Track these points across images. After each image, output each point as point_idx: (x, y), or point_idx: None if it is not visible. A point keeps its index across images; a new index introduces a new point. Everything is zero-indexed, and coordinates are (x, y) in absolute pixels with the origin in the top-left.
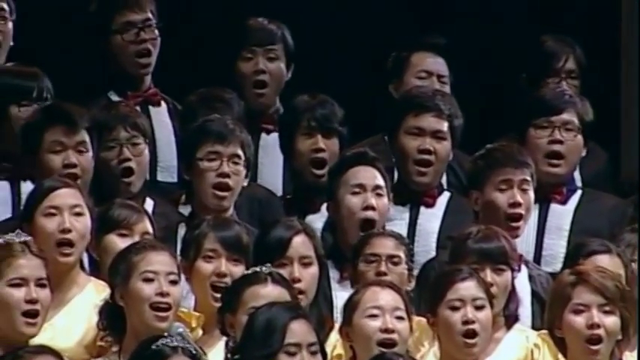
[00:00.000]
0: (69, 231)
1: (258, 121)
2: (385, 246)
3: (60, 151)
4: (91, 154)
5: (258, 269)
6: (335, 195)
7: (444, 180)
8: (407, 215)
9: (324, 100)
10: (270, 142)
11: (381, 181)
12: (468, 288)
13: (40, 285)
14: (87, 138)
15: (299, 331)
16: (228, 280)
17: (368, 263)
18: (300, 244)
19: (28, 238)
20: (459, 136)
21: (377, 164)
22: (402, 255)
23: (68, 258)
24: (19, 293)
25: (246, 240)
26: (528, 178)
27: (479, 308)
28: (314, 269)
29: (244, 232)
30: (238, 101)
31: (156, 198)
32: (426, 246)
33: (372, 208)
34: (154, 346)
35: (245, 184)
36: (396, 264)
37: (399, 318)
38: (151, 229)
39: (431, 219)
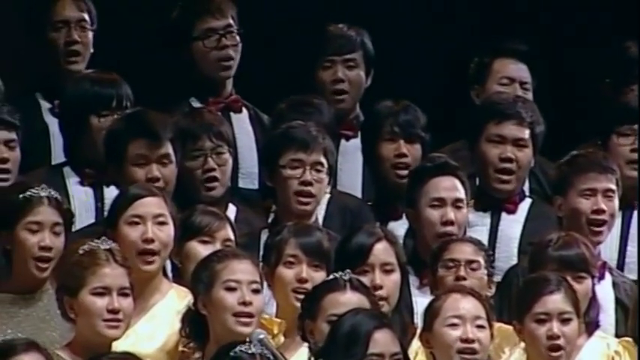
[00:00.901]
0: (152, 241)
1: (337, 128)
2: (464, 251)
3: (144, 164)
4: (174, 165)
5: (337, 275)
6: (415, 204)
7: (526, 187)
8: (488, 221)
9: (407, 106)
10: (350, 148)
11: (461, 193)
12: (555, 302)
13: (122, 294)
14: (170, 150)
15: (383, 341)
16: (309, 285)
17: (447, 269)
18: (381, 250)
19: (113, 246)
20: (541, 143)
21: (458, 174)
22: (481, 260)
23: (150, 266)
24: (101, 302)
25: (327, 246)
26: (613, 186)
27: (565, 321)
28: (396, 276)
29: (325, 238)
30: (328, 107)
31: (238, 204)
32: (508, 252)
33: (451, 223)
34: (231, 353)
35: (327, 190)
36: (474, 269)
37: (480, 327)
38: (232, 236)
39: (512, 225)
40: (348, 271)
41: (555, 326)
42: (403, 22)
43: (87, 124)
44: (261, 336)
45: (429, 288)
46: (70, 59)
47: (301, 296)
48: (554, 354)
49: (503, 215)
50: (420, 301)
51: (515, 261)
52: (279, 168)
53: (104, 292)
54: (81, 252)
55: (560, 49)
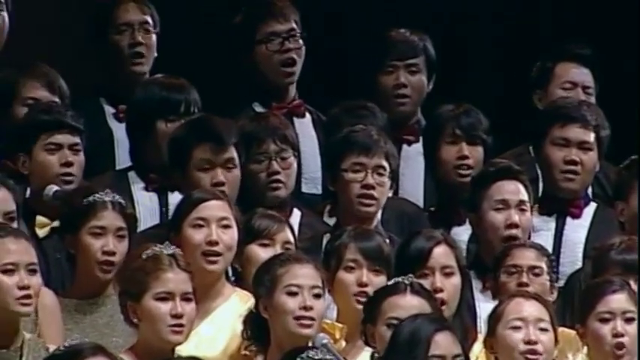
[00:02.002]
0: (216, 243)
1: (399, 133)
2: (526, 257)
3: (208, 169)
4: (238, 170)
5: (399, 280)
6: (478, 208)
7: (589, 191)
8: (553, 226)
9: (469, 109)
10: (412, 153)
11: (525, 196)
12: (618, 301)
13: (185, 299)
14: (235, 154)
15: (444, 343)
16: (369, 290)
17: (509, 274)
18: (441, 254)
19: (176, 251)
20: (606, 146)
21: (521, 178)
22: (544, 266)
23: (214, 266)
24: (165, 307)
25: (387, 250)
26: None
27: (629, 321)
28: (456, 279)
29: (385, 242)
30: (381, 112)
31: (302, 209)
32: (572, 257)
33: (516, 226)
34: (298, 359)
35: (390, 194)
36: (537, 275)
37: (543, 330)
38: (292, 239)
39: (577, 229)
40: (411, 275)
41: (619, 325)
42: (464, 27)
43: (153, 129)
44: (325, 341)
45: (491, 293)
46: (134, 61)
47: (362, 300)
48: (619, 352)
49: (568, 220)
50: (484, 305)
51: (579, 266)
52: (341, 172)
53: (167, 297)
54: (144, 257)
55: (621, 54)
